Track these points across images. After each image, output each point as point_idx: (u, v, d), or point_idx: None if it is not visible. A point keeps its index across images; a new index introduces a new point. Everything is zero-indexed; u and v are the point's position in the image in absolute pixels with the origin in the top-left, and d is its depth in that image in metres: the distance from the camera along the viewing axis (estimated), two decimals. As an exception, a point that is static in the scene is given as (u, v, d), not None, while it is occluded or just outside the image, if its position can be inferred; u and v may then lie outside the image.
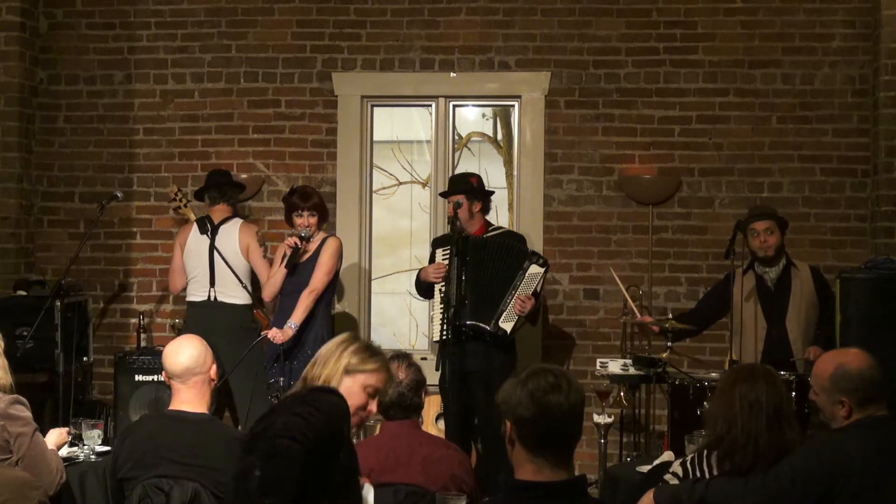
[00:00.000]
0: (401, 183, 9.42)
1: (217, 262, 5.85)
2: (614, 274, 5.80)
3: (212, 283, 5.86)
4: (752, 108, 6.34)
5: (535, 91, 6.46)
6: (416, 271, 5.73)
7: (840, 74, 6.30)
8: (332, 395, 2.74)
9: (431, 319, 5.72)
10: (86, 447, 4.31)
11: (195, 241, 5.92)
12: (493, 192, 5.73)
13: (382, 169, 8.84)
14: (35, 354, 5.66)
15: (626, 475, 4.21)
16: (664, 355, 5.23)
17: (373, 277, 6.90)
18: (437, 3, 6.52)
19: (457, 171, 6.49)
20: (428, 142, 7.49)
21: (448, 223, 5.61)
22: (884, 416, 3.34)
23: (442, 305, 5.33)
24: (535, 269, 5.41)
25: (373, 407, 3.04)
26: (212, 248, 5.85)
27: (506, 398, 2.53)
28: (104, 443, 4.41)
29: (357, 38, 6.56)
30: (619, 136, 6.42)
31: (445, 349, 5.21)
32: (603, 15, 6.42)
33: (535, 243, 6.24)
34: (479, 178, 5.70)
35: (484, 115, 9.20)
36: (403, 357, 3.71)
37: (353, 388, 2.97)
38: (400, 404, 3.57)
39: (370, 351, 3.07)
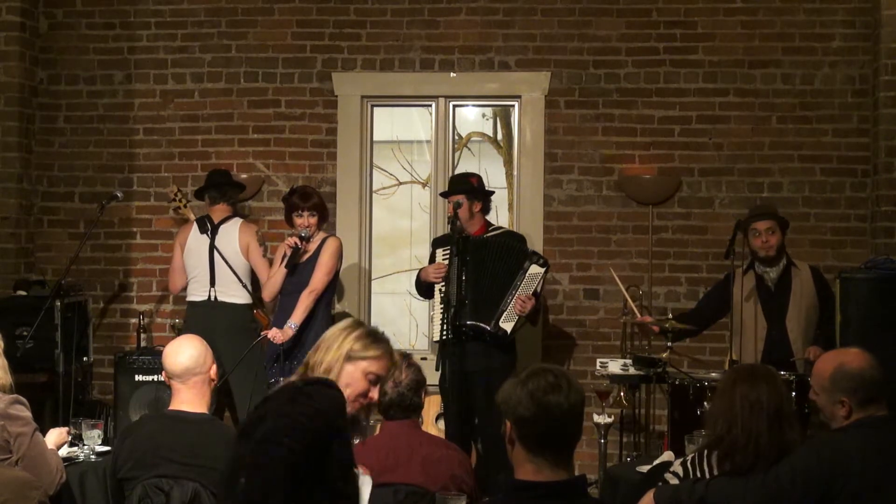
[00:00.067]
0: (401, 183, 9.42)
1: (217, 261, 5.85)
2: (614, 274, 5.80)
3: (212, 283, 5.86)
4: (752, 108, 6.34)
5: (535, 91, 6.46)
6: (416, 271, 5.73)
7: (840, 74, 6.30)
8: (327, 389, 2.71)
9: (431, 319, 5.72)
10: (86, 447, 4.31)
11: (195, 241, 5.92)
12: (493, 192, 5.73)
13: (382, 169, 8.84)
14: (35, 354, 5.66)
15: (626, 475, 4.21)
16: (664, 355, 5.23)
17: (373, 277, 6.90)
18: (437, 3, 6.52)
19: (457, 171, 6.49)
20: (428, 142, 7.49)
21: (448, 223, 5.61)
22: (884, 416, 3.34)
23: (442, 305, 5.33)
24: (535, 269, 5.41)
25: (374, 394, 2.97)
26: (212, 247, 5.85)
27: (506, 398, 2.53)
28: (104, 443, 4.41)
29: (357, 38, 6.56)
30: (619, 136, 6.42)
31: (445, 349, 5.22)
32: (603, 15, 6.42)
33: (535, 243, 6.24)
34: (479, 178, 5.70)
35: (484, 115, 9.20)
36: (403, 357, 3.71)
37: (354, 375, 2.92)
38: (400, 404, 3.58)
39: (373, 337, 3.00)
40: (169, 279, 6.12)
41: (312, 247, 5.62)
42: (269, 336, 5.43)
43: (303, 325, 5.45)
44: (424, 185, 8.91)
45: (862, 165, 6.26)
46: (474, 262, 5.30)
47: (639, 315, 5.73)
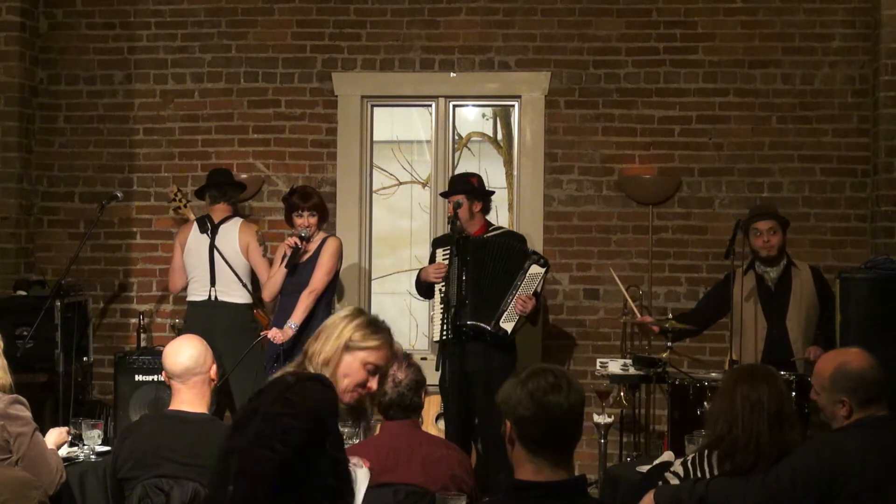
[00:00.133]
0: (401, 183, 9.41)
1: (217, 261, 5.85)
2: (614, 274, 5.79)
3: (212, 283, 5.86)
4: (752, 108, 6.34)
5: (535, 91, 6.46)
6: (417, 271, 5.73)
7: (840, 74, 6.30)
8: (319, 386, 2.70)
9: (431, 319, 5.72)
10: (86, 447, 4.31)
11: (195, 241, 5.92)
12: (493, 192, 5.73)
13: (382, 169, 8.84)
14: (35, 354, 5.66)
15: (626, 475, 4.21)
16: (664, 355, 5.23)
17: (373, 277, 6.90)
18: (437, 3, 6.52)
19: (457, 171, 6.49)
20: (428, 142, 7.49)
21: (448, 223, 5.61)
22: (884, 416, 3.34)
23: (442, 305, 5.33)
24: (535, 269, 5.41)
25: (373, 384, 2.95)
26: (212, 247, 5.85)
27: (506, 398, 2.53)
28: (104, 443, 4.41)
29: (357, 38, 6.56)
30: (619, 136, 6.42)
31: (445, 349, 5.21)
32: (603, 15, 6.42)
33: (535, 243, 6.24)
34: (479, 178, 5.70)
35: (484, 115, 9.20)
36: (403, 357, 3.71)
37: (353, 365, 2.92)
38: (400, 404, 3.57)
39: (373, 327, 2.99)
40: (169, 279, 6.12)
41: (312, 247, 5.62)
42: (269, 336, 5.43)
43: (303, 325, 5.44)
44: (424, 185, 8.91)
45: (862, 165, 6.26)
46: (474, 262, 5.30)
47: (639, 315, 5.73)
